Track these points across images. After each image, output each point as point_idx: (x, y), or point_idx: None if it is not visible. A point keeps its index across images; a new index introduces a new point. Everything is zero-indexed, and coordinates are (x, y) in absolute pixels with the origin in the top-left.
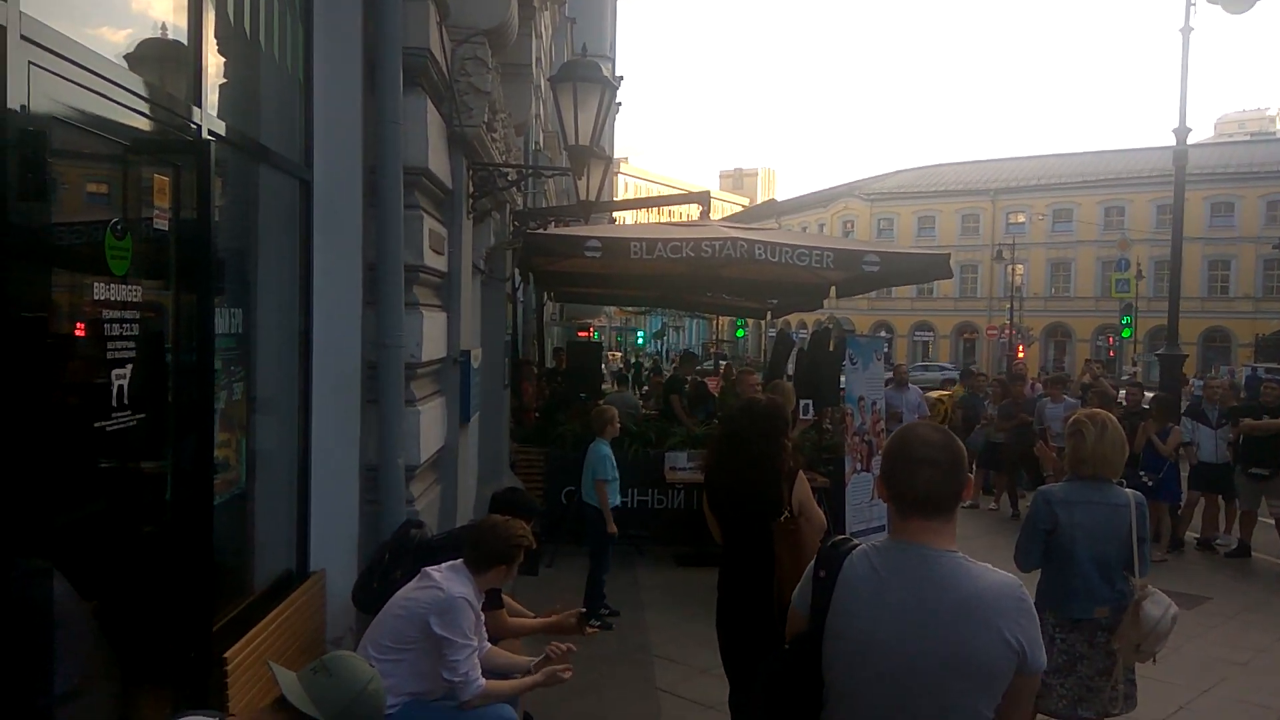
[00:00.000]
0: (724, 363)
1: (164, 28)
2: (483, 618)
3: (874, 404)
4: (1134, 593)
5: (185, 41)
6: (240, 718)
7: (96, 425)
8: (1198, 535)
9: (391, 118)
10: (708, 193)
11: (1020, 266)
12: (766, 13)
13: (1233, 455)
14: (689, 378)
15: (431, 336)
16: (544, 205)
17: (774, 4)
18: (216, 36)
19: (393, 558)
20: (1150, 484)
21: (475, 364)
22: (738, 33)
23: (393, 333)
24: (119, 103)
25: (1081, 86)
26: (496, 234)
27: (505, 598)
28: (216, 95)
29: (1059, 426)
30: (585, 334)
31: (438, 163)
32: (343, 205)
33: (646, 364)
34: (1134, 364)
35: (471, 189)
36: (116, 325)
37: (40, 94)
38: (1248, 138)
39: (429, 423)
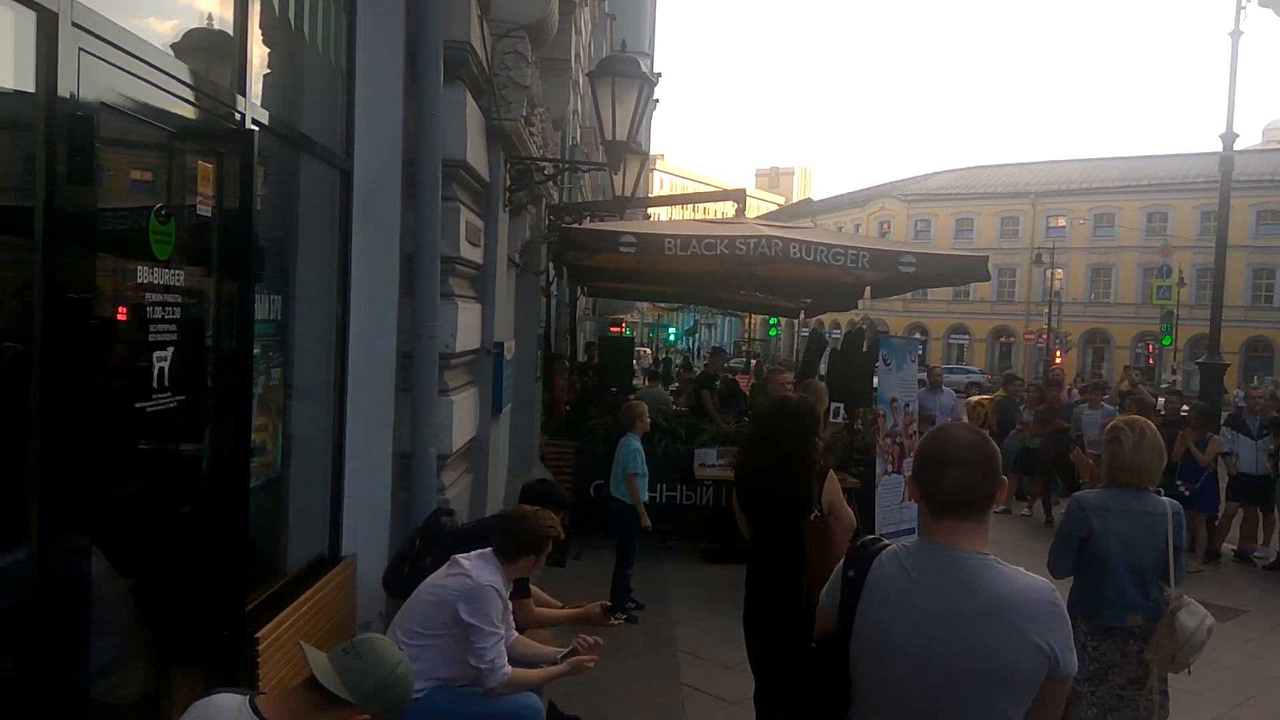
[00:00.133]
0: (755, 359)
1: (210, 18)
2: (510, 607)
3: (907, 406)
4: (1169, 602)
5: (231, 31)
6: (271, 697)
7: (137, 406)
8: (1234, 547)
9: (431, 110)
10: (743, 190)
11: (1060, 271)
12: (806, 11)
13: (1273, 467)
14: (720, 374)
15: (466, 328)
16: (579, 200)
17: (814, 2)
18: (261, 27)
19: (423, 545)
20: (1187, 493)
21: (508, 356)
22: (776, 31)
23: (428, 323)
24: (166, 90)
25: (1126, 90)
26: (532, 228)
27: (533, 588)
28: (260, 85)
29: (1096, 433)
30: (617, 329)
31: (476, 156)
32: (382, 196)
33: (676, 360)
34: (1173, 372)
35: (508, 182)
36: (159, 309)
37: (89, 80)
38: None
39: (461, 413)
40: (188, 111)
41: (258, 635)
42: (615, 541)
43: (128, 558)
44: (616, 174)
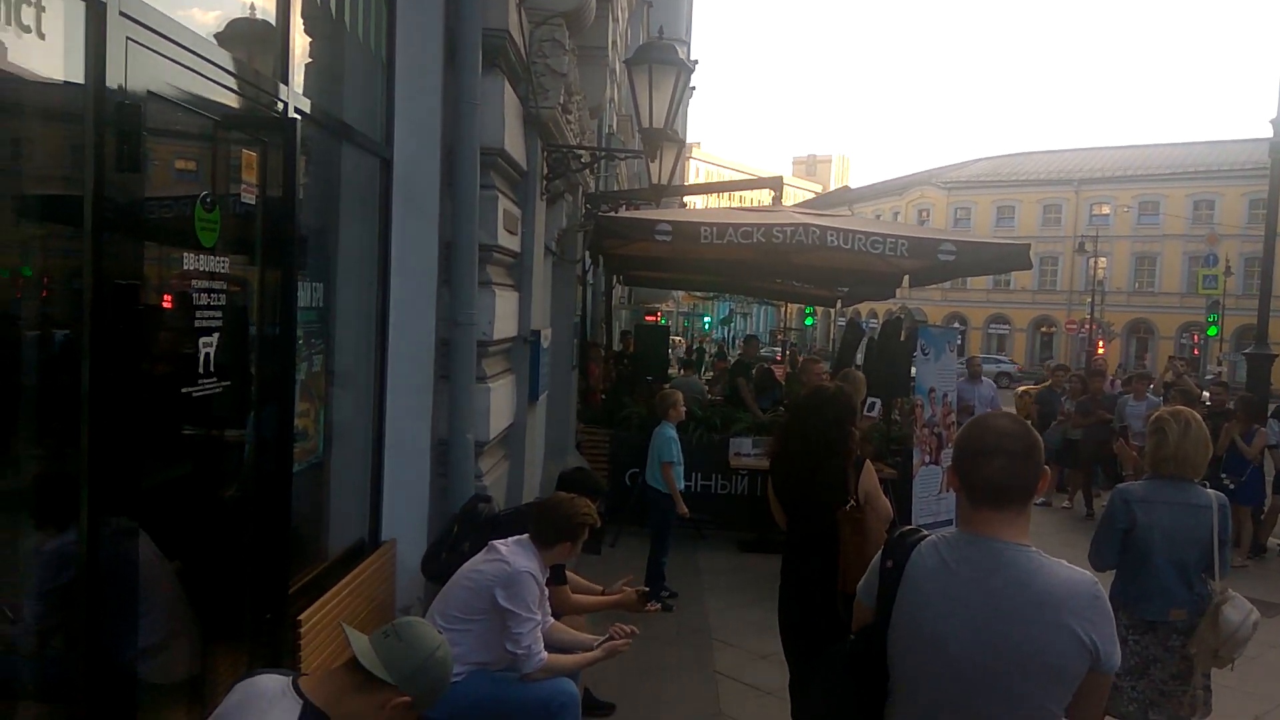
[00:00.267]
0: (791, 347)
1: (253, 7)
2: (547, 592)
3: (945, 396)
4: (1213, 596)
5: (273, 21)
6: (313, 678)
7: (184, 391)
8: None
9: (470, 98)
10: (780, 178)
11: (1103, 259)
12: None
13: None
14: (755, 363)
15: (503, 315)
16: (616, 189)
17: None
18: (303, 16)
19: (461, 531)
20: (1232, 486)
21: (545, 344)
22: (813, 17)
23: (466, 311)
24: (210, 79)
25: (1172, 75)
26: (569, 216)
27: (569, 574)
28: (302, 74)
29: (1140, 425)
30: (653, 318)
31: (514, 144)
32: (421, 184)
33: (710, 349)
34: (1219, 363)
35: (546, 170)
36: (204, 295)
37: (137, 69)
38: None
39: (499, 400)
40: (232, 100)
41: (300, 618)
42: (650, 530)
43: (174, 540)
44: (653, 162)
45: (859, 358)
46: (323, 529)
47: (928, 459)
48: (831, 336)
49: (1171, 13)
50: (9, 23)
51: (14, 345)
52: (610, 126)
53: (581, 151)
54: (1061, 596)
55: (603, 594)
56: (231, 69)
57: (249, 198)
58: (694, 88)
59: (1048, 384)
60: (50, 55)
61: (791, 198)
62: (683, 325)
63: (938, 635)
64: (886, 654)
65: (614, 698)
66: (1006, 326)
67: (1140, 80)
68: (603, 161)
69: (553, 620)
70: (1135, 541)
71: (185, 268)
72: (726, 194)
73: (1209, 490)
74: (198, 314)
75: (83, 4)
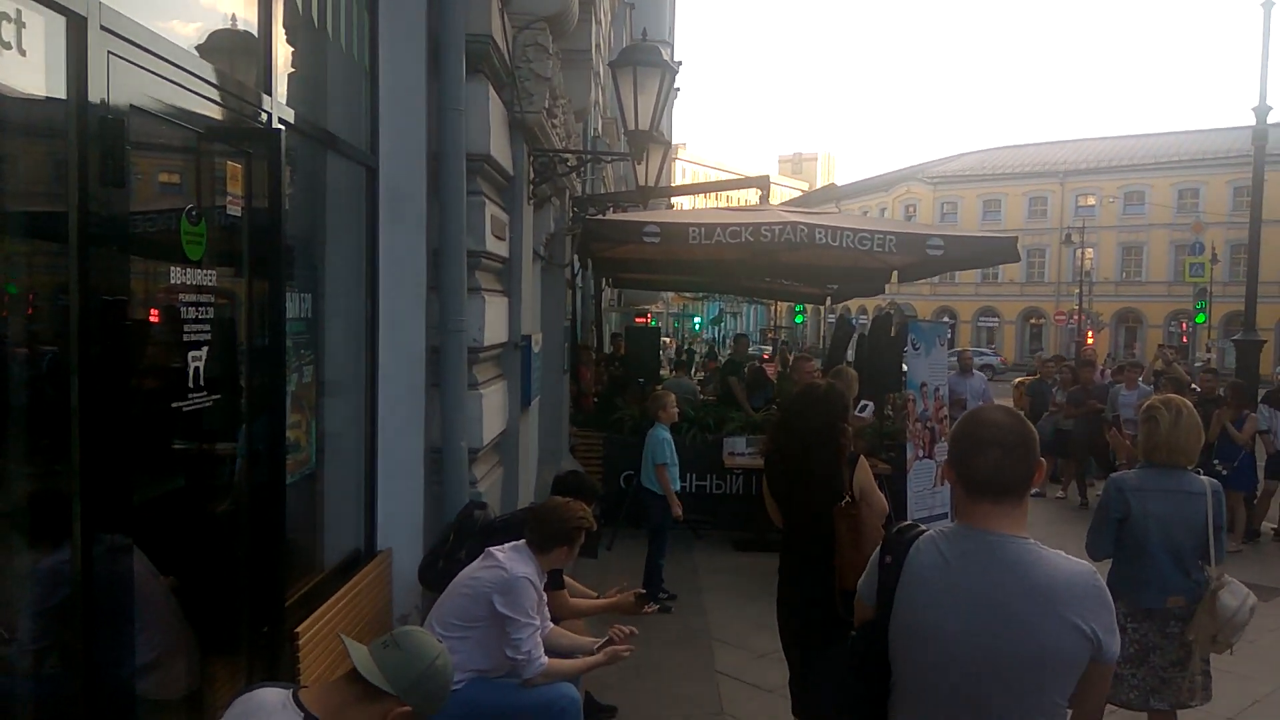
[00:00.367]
0: (782, 345)
1: (234, 18)
2: (545, 598)
3: (937, 390)
4: (1210, 582)
5: (255, 31)
6: (313, 690)
7: (174, 406)
8: (1275, 525)
9: (454, 104)
10: (767, 177)
11: (1090, 250)
12: None
13: None
14: (747, 361)
15: (493, 321)
16: (603, 191)
17: None
18: (285, 26)
19: (457, 538)
20: (1225, 472)
21: (536, 349)
22: (795, 16)
23: (455, 317)
24: (193, 92)
25: (1155, 66)
26: (556, 220)
27: (567, 578)
28: (286, 84)
29: (1132, 414)
30: (643, 320)
31: (499, 149)
32: (407, 192)
33: (700, 350)
34: (1208, 350)
35: (532, 175)
36: (192, 309)
37: (119, 83)
38: None
39: (491, 406)
40: (215, 112)
41: (297, 630)
42: (647, 532)
43: (168, 556)
44: (640, 164)
45: (850, 354)
46: (318, 540)
47: (921, 453)
48: (822, 334)
49: (1151, 2)
50: None
51: (2, 363)
52: (596, 130)
53: (568, 155)
54: (1062, 588)
55: (598, 598)
56: (214, 81)
57: (235, 210)
58: (678, 89)
59: (1038, 376)
60: (31, 71)
61: (778, 196)
62: (673, 326)
63: (939, 630)
64: (888, 650)
65: (615, 700)
66: (995, 319)
67: (1122, 71)
68: (589, 165)
69: (552, 625)
70: (1131, 530)
71: (172, 281)
72: (714, 194)
73: (1202, 477)
74: (186, 328)
75: (63, 19)
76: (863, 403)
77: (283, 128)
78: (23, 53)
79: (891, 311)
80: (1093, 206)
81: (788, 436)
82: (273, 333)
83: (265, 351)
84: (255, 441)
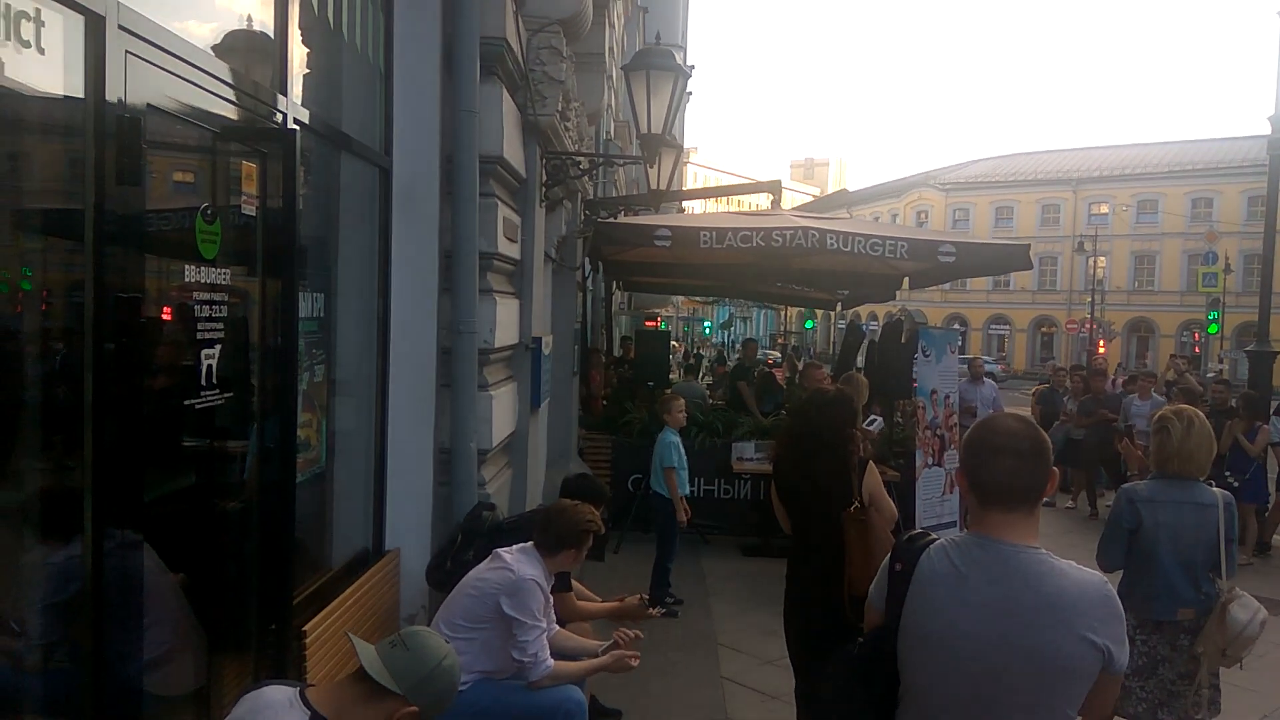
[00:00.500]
0: (792, 350)
1: (250, 19)
2: (552, 600)
3: (947, 397)
4: (1221, 595)
5: (271, 32)
6: (320, 688)
7: (186, 403)
8: None
9: (468, 106)
10: (778, 182)
11: (1102, 259)
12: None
13: None
14: (755, 366)
15: (504, 323)
16: (614, 195)
17: None
18: (301, 27)
19: (465, 539)
20: (1236, 484)
21: (546, 351)
22: (809, 21)
23: (467, 319)
24: (209, 92)
25: (1170, 74)
26: (568, 222)
27: (573, 582)
28: (301, 85)
29: (1146, 424)
30: (653, 323)
31: (512, 151)
32: (420, 193)
33: (709, 355)
34: (1220, 361)
35: (545, 177)
36: (206, 307)
37: (136, 83)
38: None
39: (501, 408)
40: (231, 112)
41: (305, 628)
42: (655, 535)
43: (178, 552)
44: (652, 167)
45: (859, 360)
46: (326, 539)
47: (930, 461)
48: (832, 340)
49: (1167, 10)
50: (8, 38)
51: (17, 359)
52: (608, 133)
53: (580, 158)
54: (1073, 598)
55: (603, 602)
56: (230, 81)
57: (249, 209)
58: (691, 93)
59: (1048, 385)
60: (50, 70)
61: (790, 202)
62: (683, 330)
63: (948, 639)
64: (895, 657)
65: (620, 704)
66: (1007, 327)
67: (1137, 79)
68: (601, 168)
69: (558, 627)
70: (1142, 541)
71: (186, 280)
72: (725, 198)
73: (1214, 489)
74: (199, 326)
75: (81, 19)
76: (871, 416)
77: (298, 128)
78: (41, 51)
79: (902, 318)
80: (1105, 215)
81: (797, 442)
82: (285, 332)
83: (277, 350)
84: (266, 440)
